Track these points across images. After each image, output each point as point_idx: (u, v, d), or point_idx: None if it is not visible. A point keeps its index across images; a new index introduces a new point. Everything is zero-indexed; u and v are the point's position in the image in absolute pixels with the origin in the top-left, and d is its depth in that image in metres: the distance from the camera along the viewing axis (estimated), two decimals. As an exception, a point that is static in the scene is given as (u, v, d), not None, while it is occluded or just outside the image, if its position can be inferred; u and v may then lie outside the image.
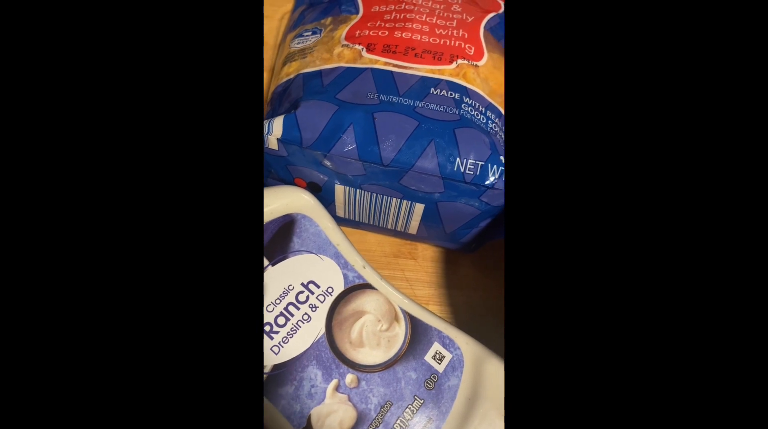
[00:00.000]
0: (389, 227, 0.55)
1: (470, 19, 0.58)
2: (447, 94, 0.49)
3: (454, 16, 0.58)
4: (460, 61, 0.52)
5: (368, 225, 0.56)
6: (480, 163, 0.45)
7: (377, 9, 0.60)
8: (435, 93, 0.48)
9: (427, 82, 0.49)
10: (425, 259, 0.59)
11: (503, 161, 0.46)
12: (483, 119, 0.48)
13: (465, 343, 0.44)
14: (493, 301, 0.56)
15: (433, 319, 0.45)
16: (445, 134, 0.46)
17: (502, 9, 0.63)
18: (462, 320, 0.55)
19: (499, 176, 0.45)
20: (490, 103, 0.50)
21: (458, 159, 0.45)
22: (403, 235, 0.56)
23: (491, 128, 0.49)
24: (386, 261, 0.58)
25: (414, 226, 0.53)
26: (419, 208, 0.49)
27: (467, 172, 0.45)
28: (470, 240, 0.54)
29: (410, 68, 0.51)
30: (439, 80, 0.50)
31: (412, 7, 0.59)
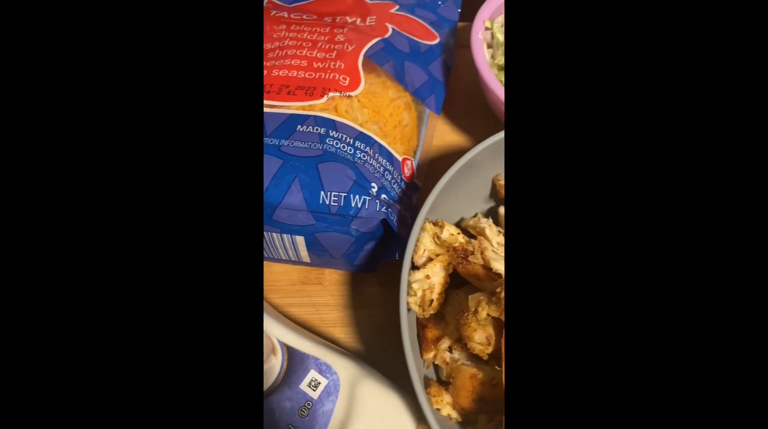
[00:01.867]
0: (284, 258, 0.57)
1: (351, 48, 0.60)
2: (313, 129, 0.51)
3: (336, 47, 0.61)
4: (331, 93, 0.54)
5: (269, 258, 0.58)
6: (343, 194, 0.47)
7: (264, 47, 0.62)
8: (301, 130, 0.51)
9: (294, 120, 0.51)
10: (332, 283, 0.61)
11: (371, 187, 0.48)
12: (350, 150, 0.50)
13: (343, 368, 0.46)
14: (394, 315, 0.58)
15: (313, 346, 0.47)
16: (308, 170, 0.48)
17: (389, 32, 0.65)
18: (367, 338, 0.58)
19: (362, 205, 0.47)
20: (361, 133, 0.53)
21: (322, 192, 0.47)
22: (304, 263, 0.59)
23: (359, 158, 0.51)
24: (293, 289, 0.60)
25: (305, 256, 0.55)
26: (300, 239, 0.52)
27: (332, 204, 0.47)
28: (364, 262, 0.56)
29: (281, 107, 0.53)
30: (307, 116, 0.52)
31: (295, 42, 0.61)
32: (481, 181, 0.60)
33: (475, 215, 0.60)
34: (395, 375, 0.50)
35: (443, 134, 0.71)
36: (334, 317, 0.59)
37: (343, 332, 0.58)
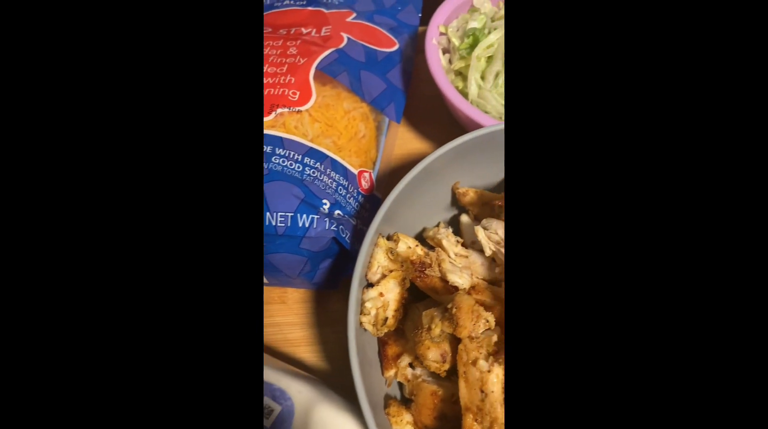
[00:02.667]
0: (242, 279, 0.56)
1: (303, 61, 0.59)
2: (259, 148, 0.50)
3: (287, 60, 0.60)
4: (280, 109, 0.53)
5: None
6: (289, 214, 0.46)
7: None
8: (247, 150, 0.50)
9: (241, 139, 0.50)
10: (295, 301, 0.60)
11: (321, 204, 0.47)
12: (298, 168, 0.49)
13: (298, 392, 0.45)
14: (361, 333, 0.57)
15: (267, 372, 0.46)
16: (254, 191, 0.47)
17: (344, 42, 0.64)
18: (332, 356, 0.56)
19: (311, 224, 0.46)
20: (311, 149, 0.51)
21: (268, 214, 0.46)
22: (263, 284, 0.57)
23: (308, 175, 0.49)
24: (256, 309, 0.59)
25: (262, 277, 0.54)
26: (253, 261, 0.50)
27: (279, 225, 0.46)
28: (324, 279, 0.55)
29: (227, 127, 0.52)
30: (254, 135, 0.51)
31: (246, 58, 0.60)
32: (442, 189, 0.59)
33: (438, 224, 0.59)
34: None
35: (406, 142, 0.70)
36: (299, 336, 0.58)
37: (308, 351, 0.57)
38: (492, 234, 0.51)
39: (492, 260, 0.52)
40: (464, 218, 0.58)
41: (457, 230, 0.58)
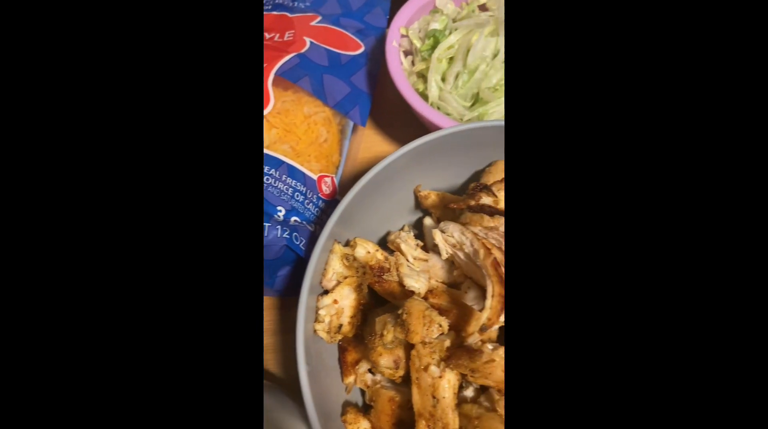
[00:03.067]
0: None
1: (263, 67, 0.59)
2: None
3: (247, 66, 0.59)
4: (236, 117, 0.53)
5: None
6: (241, 222, 0.46)
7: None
8: (199, 158, 0.49)
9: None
10: (265, 307, 0.59)
11: (275, 212, 0.47)
12: (251, 175, 0.49)
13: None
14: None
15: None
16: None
17: (306, 46, 0.64)
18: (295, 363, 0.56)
19: (266, 233, 0.46)
20: (266, 155, 0.51)
21: (219, 222, 0.46)
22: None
23: (264, 182, 0.49)
24: (221, 317, 0.59)
25: (222, 285, 0.54)
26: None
27: (230, 233, 0.46)
28: (285, 286, 0.55)
29: (182, 135, 0.52)
30: (207, 143, 0.50)
31: (205, 65, 0.60)
32: (406, 192, 0.58)
33: (402, 228, 0.59)
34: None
35: (373, 145, 0.70)
36: (267, 343, 0.58)
37: (272, 358, 0.57)
38: (448, 237, 0.50)
39: (451, 263, 0.51)
40: (427, 221, 0.57)
41: (421, 233, 0.58)
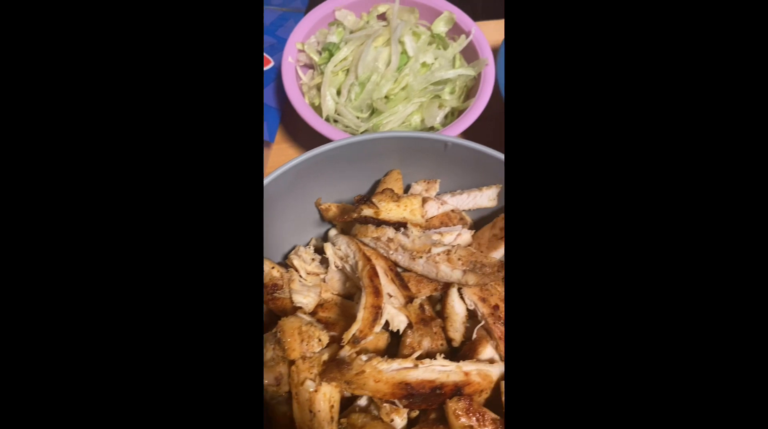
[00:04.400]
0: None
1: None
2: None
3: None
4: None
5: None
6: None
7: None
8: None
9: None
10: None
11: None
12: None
13: None
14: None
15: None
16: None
17: (271, 64, 0.65)
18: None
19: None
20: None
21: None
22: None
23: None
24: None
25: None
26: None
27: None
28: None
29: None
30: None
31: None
32: (309, 206, 0.59)
33: (309, 242, 0.59)
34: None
35: (288, 159, 0.70)
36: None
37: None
38: (337, 249, 0.51)
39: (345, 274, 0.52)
40: (331, 233, 0.58)
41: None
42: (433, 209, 0.55)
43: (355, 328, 0.42)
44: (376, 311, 0.44)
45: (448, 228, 0.55)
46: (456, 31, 0.66)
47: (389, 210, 0.50)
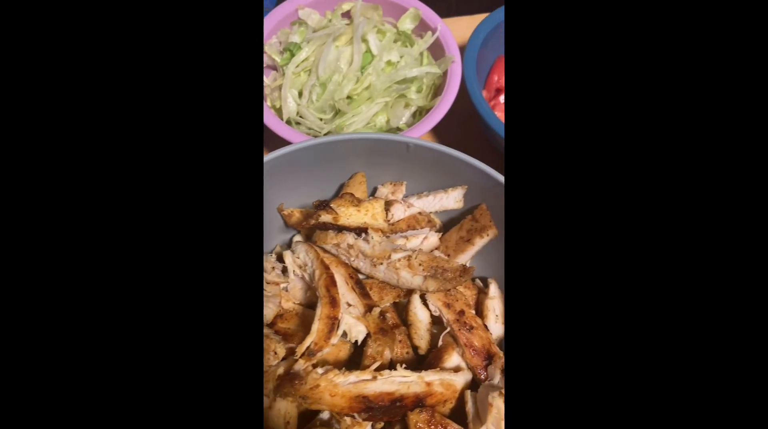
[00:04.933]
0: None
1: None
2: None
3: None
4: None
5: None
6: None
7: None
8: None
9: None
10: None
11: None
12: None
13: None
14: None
15: None
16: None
17: None
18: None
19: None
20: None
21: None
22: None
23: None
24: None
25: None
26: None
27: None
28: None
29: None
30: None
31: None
32: (271, 211, 0.57)
33: (273, 249, 0.58)
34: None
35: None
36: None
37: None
38: (296, 258, 0.49)
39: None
40: (296, 239, 0.56)
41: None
42: (400, 212, 0.53)
43: (309, 341, 0.40)
44: (332, 322, 0.42)
45: (414, 231, 0.54)
46: (423, 27, 0.64)
47: (349, 215, 0.48)
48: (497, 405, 0.40)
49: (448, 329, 0.47)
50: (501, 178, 0.48)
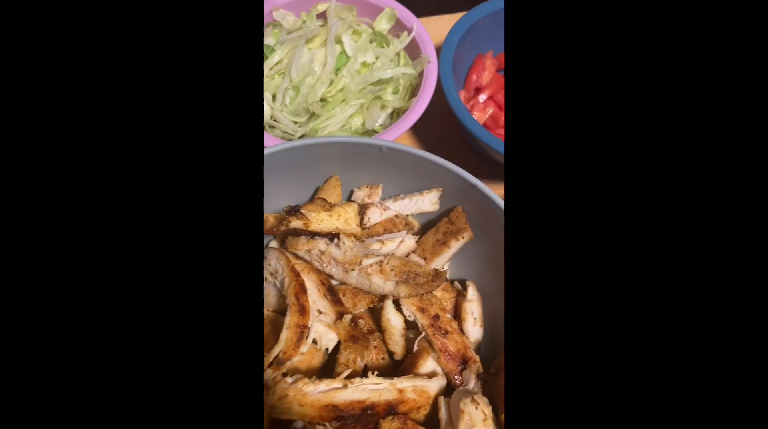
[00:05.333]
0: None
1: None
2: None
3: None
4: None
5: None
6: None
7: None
8: None
9: None
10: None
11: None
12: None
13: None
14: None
15: None
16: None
17: None
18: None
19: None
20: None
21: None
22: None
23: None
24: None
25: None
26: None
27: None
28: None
29: None
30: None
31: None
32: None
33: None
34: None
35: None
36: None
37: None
38: (267, 265, 0.49)
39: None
40: (271, 244, 0.56)
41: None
42: (376, 216, 0.53)
43: (277, 350, 0.40)
44: (301, 331, 0.41)
45: (391, 235, 0.53)
46: (399, 27, 0.63)
47: (320, 220, 0.48)
48: (469, 411, 0.39)
49: (423, 334, 0.46)
50: (474, 179, 0.47)
